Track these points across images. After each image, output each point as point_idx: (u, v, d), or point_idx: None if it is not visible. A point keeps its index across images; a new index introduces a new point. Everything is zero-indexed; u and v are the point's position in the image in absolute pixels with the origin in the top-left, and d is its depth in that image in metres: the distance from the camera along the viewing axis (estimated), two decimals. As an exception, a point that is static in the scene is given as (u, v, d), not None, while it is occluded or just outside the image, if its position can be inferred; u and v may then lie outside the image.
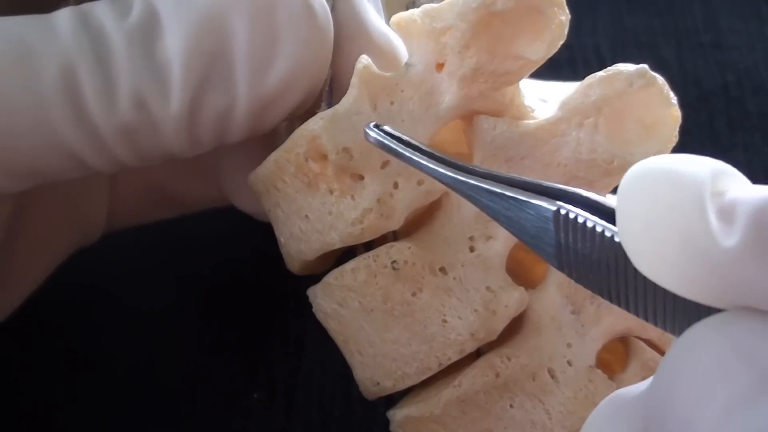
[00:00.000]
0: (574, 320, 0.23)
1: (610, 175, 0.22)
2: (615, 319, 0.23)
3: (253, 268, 0.31)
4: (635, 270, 0.15)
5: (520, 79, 0.23)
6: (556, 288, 0.23)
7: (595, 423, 0.17)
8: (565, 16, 0.22)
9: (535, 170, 0.23)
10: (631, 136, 0.22)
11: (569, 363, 0.23)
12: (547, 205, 0.17)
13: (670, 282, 0.15)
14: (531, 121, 0.23)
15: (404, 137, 0.21)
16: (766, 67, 0.37)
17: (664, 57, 0.38)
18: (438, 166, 0.20)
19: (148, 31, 0.20)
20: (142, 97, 0.20)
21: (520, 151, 0.23)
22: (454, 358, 0.23)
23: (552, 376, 0.23)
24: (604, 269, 0.16)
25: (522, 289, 0.23)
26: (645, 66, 0.22)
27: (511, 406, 0.23)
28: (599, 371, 0.23)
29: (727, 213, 0.14)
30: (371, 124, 0.21)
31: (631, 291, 0.16)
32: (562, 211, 0.16)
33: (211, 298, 0.31)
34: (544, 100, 0.25)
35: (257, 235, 0.26)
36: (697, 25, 0.39)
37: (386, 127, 0.21)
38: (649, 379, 0.16)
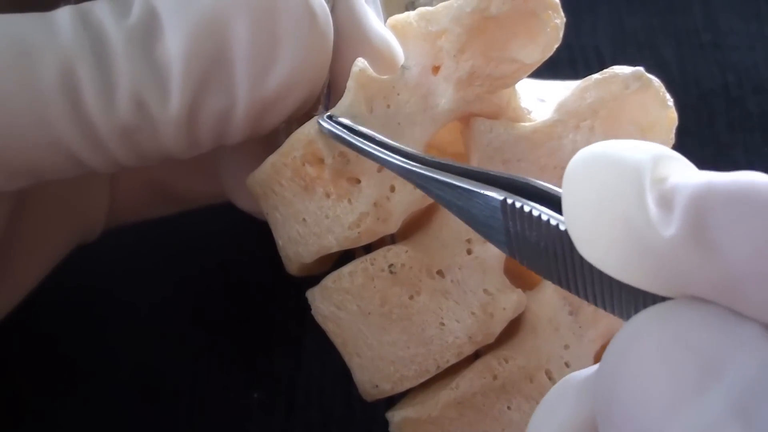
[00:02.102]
0: (571, 321, 0.23)
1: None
2: (612, 320, 0.23)
3: (253, 268, 0.31)
4: (581, 257, 0.15)
5: (516, 82, 0.23)
6: (554, 289, 0.23)
7: (546, 404, 0.17)
8: (560, 20, 0.22)
9: (532, 172, 0.23)
10: (628, 138, 0.22)
11: (567, 364, 0.23)
12: (495, 194, 0.17)
13: (614, 269, 0.14)
14: (527, 124, 0.23)
15: (358, 128, 0.21)
16: (766, 67, 0.37)
17: (664, 57, 0.38)
18: (390, 156, 0.20)
19: (149, 31, 0.20)
20: (141, 98, 0.20)
21: (516, 154, 0.23)
22: (452, 360, 0.23)
23: (549, 378, 0.23)
24: (552, 256, 0.16)
25: (520, 291, 0.23)
26: (641, 68, 0.22)
27: (508, 408, 0.23)
28: (597, 373, 0.23)
29: (666, 200, 0.14)
30: (325, 115, 0.21)
31: (580, 277, 0.16)
32: (509, 201, 0.17)
33: (211, 298, 0.32)
34: (542, 99, 0.25)
35: (257, 235, 0.26)
36: (697, 25, 0.39)
37: (341, 119, 0.21)
38: (599, 363, 0.15)
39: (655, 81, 0.22)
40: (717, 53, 0.38)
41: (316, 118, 0.22)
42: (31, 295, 0.27)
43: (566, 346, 0.23)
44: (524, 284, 0.23)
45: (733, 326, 0.13)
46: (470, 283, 0.23)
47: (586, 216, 0.14)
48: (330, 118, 0.21)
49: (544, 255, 0.16)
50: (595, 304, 0.16)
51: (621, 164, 0.14)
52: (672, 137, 0.22)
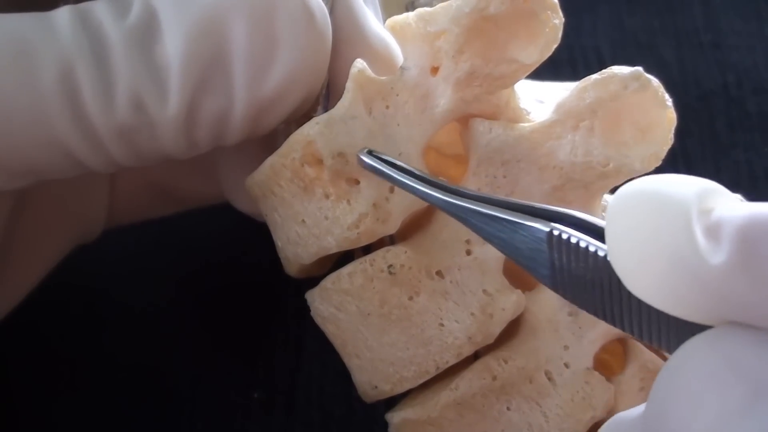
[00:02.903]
0: (571, 322, 0.23)
1: (606, 178, 0.22)
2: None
3: (254, 268, 0.31)
4: (627, 289, 0.15)
5: (515, 83, 0.23)
6: (554, 290, 0.23)
7: None
8: (558, 20, 0.22)
9: (531, 173, 0.23)
10: (627, 138, 0.22)
11: (566, 365, 0.23)
12: (541, 226, 0.17)
13: (660, 301, 0.15)
14: (526, 124, 0.23)
15: (397, 162, 0.21)
16: (766, 67, 0.37)
17: (664, 57, 0.38)
18: (432, 189, 0.20)
19: (147, 32, 0.20)
20: (139, 98, 0.20)
21: (515, 154, 0.23)
22: (452, 361, 0.23)
23: (549, 379, 0.23)
24: (598, 289, 0.16)
25: (519, 291, 0.23)
26: (639, 69, 0.22)
27: (508, 408, 0.23)
28: (596, 373, 0.23)
29: (713, 231, 0.14)
30: (364, 150, 0.21)
31: (625, 310, 0.16)
32: (555, 232, 0.17)
33: (211, 298, 0.32)
34: (540, 100, 0.25)
35: (257, 235, 0.26)
36: (697, 25, 0.39)
37: (379, 153, 0.21)
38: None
39: (654, 81, 0.22)
40: (717, 53, 0.38)
41: (315, 119, 0.22)
42: (31, 295, 0.27)
43: (566, 347, 0.23)
44: (523, 285, 0.23)
45: None
46: (469, 283, 0.23)
47: (632, 248, 0.15)
48: (370, 153, 0.21)
49: (589, 287, 0.16)
50: (641, 337, 0.16)
51: (667, 198, 0.14)
52: (671, 137, 0.22)
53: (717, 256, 0.14)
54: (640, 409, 0.17)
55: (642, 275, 0.15)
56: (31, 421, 0.29)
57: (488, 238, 0.19)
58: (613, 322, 0.16)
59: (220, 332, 0.31)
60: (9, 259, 0.25)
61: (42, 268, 0.27)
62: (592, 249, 0.16)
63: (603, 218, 0.23)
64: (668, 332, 0.16)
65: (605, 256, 0.16)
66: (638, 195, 0.15)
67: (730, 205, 0.14)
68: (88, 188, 0.27)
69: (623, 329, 0.16)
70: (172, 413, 0.29)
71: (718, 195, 0.15)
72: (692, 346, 0.15)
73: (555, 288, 0.17)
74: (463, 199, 0.19)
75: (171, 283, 0.32)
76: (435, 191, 0.20)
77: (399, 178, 0.21)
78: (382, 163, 0.21)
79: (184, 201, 0.29)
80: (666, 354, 0.16)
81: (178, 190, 0.28)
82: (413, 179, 0.21)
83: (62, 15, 0.20)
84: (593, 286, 0.16)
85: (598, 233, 0.16)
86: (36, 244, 0.26)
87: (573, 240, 0.16)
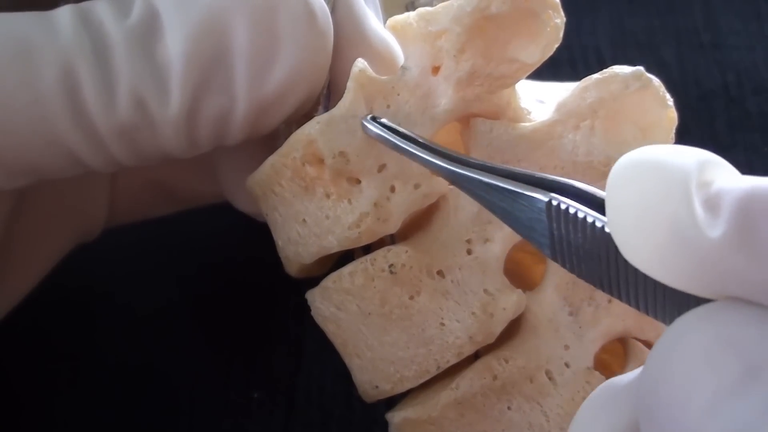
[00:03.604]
0: (571, 322, 0.23)
1: (607, 178, 0.22)
2: (613, 320, 0.23)
3: (254, 268, 0.31)
4: (626, 260, 0.15)
5: (516, 82, 0.23)
6: (554, 289, 0.23)
7: (587, 411, 0.17)
8: (560, 19, 0.22)
9: (532, 173, 0.23)
10: (628, 138, 0.22)
11: (567, 365, 0.23)
12: (540, 196, 0.17)
13: (659, 272, 0.15)
14: (527, 124, 0.23)
15: (402, 129, 0.21)
16: (766, 67, 0.37)
17: (664, 57, 0.38)
18: (435, 158, 0.20)
19: (149, 31, 0.20)
20: (141, 98, 0.20)
21: (516, 154, 0.23)
22: (453, 361, 0.23)
23: (550, 378, 0.23)
24: (596, 260, 0.16)
25: (520, 291, 0.23)
26: (641, 68, 0.22)
27: (508, 408, 0.23)
28: (597, 373, 0.23)
29: (713, 203, 0.14)
30: (368, 117, 0.21)
31: (623, 281, 0.16)
32: (554, 202, 0.17)
33: (211, 298, 0.32)
34: (541, 101, 0.25)
35: (257, 235, 0.26)
36: (697, 25, 0.39)
37: (384, 120, 0.21)
38: (640, 368, 0.16)
39: (655, 81, 0.22)
40: (717, 53, 0.38)
41: (315, 118, 0.22)
42: (31, 294, 0.27)
43: (566, 347, 0.23)
44: (524, 285, 0.23)
45: None
46: (470, 283, 0.23)
47: (631, 219, 0.15)
48: (374, 119, 0.21)
49: (588, 258, 0.16)
50: (638, 308, 0.16)
51: (667, 168, 0.14)
52: (672, 137, 0.22)
53: (715, 229, 0.14)
54: (631, 375, 0.16)
55: (641, 246, 0.15)
56: (32, 420, 0.29)
57: (490, 207, 0.18)
58: (611, 293, 0.16)
59: (220, 332, 0.31)
60: (9, 259, 0.25)
61: (42, 268, 0.27)
62: (590, 219, 0.16)
63: None
64: (666, 304, 0.15)
65: (603, 227, 0.16)
66: (638, 165, 0.15)
67: (730, 178, 0.14)
68: (88, 187, 0.27)
69: (621, 299, 0.16)
70: (172, 413, 0.29)
71: (719, 167, 0.14)
72: (687, 320, 0.14)
73: (554, 257, 0.17)
74: (466, 167, 0.19)
75: (171, 283, 0.32)
76: (438, 159, 0.20)
77: (403, 145, 0.21)
78: (387, 131, 0.21)
79: (185, 200, 0.29)
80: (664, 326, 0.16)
81: (178, 189, 0.28)
82: (416, 146, 0.20)
83: (63, 14, 0.20)
84: (592, 256, 0.16)
85: (598, 204, 0.16)
86: (36, 243, 0.26)
87: (572, 210, 0.16)
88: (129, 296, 0.31)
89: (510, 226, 0.18)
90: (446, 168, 0.20)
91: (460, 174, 0.19)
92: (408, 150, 0.21)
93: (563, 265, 0.17)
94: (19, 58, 0.19)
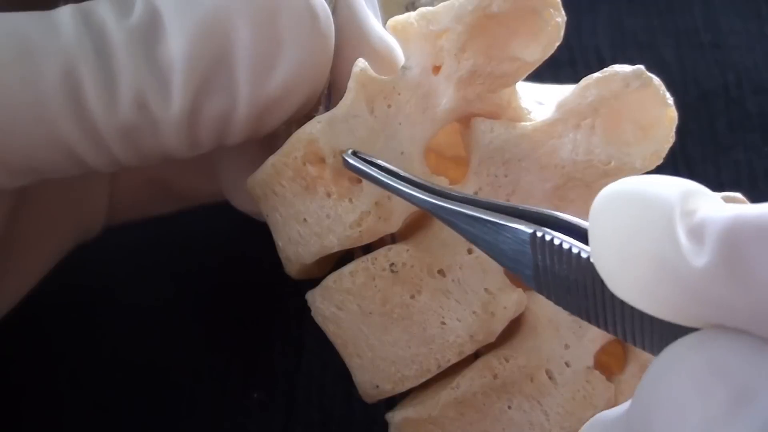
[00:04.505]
0: (571, 321, 0.23)
1: (607, 176, 0.22)
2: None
3: (254, 268, 0.31)
4: (611, 291, 0.15)
5: (517, 81, 0.23)
6: (555, 289, 0.23)
7: None
8: (561, 18, 0.22)
9: (533, 172, 0.23)
10: (628, 137, 0.22)
11: (567, 364, 0.23)
12: (524, 228, 0.17)
13: (644, 303, 0.15)
14: (528, 123, 0.23)
15: (382, 163, 0.21)
16: (766, 67, 0.37)
17: (664, 57, 0.38)
18: (416, 191, 0.20)
19: (150, 31, 0.20)
20: (142, 98, 0.20)
21: (517, 154, 0.23)
22: (453, 360, 0.23)
23: (550, 378, 0.23)
24: (581, 290, 0.16)
25: (520, 290, 0.23)
26: (641, 67, 0.22)
27: (509, 407, 0.23)
28: (597, 372, 0.23)
29: (697, 233, 0.14)
30: (349, 151, 0.21)
31: (609, 312, 0.16)
32: (539, 233, 0.17)
33: (211, 298, 0.32)
34: (540, 102, 0.25)
35: (257, 235, 0.26)
36: (697, 25, 0.39)
37: (362, 154, 0.21)
38: (629, 402, 0.16)
39: (655, 80, 0.22)
40: (717, 53, 0.38)
41: (317, 118, 0.22)
42: (32, 293, 0.27)
43: (566, 346, 0.23)
44: (523, 284, 0.23)
45: (764, 354, 0.14)
46: (471, 282, 0.23)
47: (615, 250, 0.15)
48: (355, 154, 0.21)
49: (573, 289, 0.16)
50: (625, 340, 0.16)
51: (650, 199, 0.14)
52: (672, 136, 0.22)
53: (700, 258, 0.14)
54: (621, 408, 0.16)
55: (625, 277, 0.15)
56: (32, 420, 0.29)
57: (474, 240, 0.19)
58: (597, 324, 0.16)
59: (220, 332, 0.31)
60: (9, 257, 0.25)
61: (42, 266, 0.27)
62: (575, 251, 0.16)
63: None
64: (653, 335, 0.15)
65: (588, 257, 0.16)
66: (621, 195, 0.15)
67: (713, 207, 0.14)
68: (89, 185, 0.27)
69: (608, 331, 0.16)
70: (172, 413, 0.29)
71: (701, 196, 0.14)
72: (675, 349, 0.15)
73: (539, 290, 0.17)
74: (448, 201, 0.19)
75: (171, 282, 0.32)
76: (420, 193, 0.20)
77: (382, 179, 0.21)
78: (367, 165, 0.21)
79: (185, 198, 0.29)
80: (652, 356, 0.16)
81: (178, 187, 0.28)
82: (398, 181, 0.21)
83: (64, 14, 0.20)
84: (577, 287, 0.16)
85: (582, 235, 0.16)
86: (36, 241, 0.26)
87: (556, 242, 0.16)
88: (129, 295, 0.31)
89: (494, 258, 0.18)
90: (429, 202, 0.20)
91: (443, 207, 0.19)
92: (390, 185, 0.21)
93: (548, 297, 0.17)
94: (21, 58, 0.19)
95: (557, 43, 0.22)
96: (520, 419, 0.23)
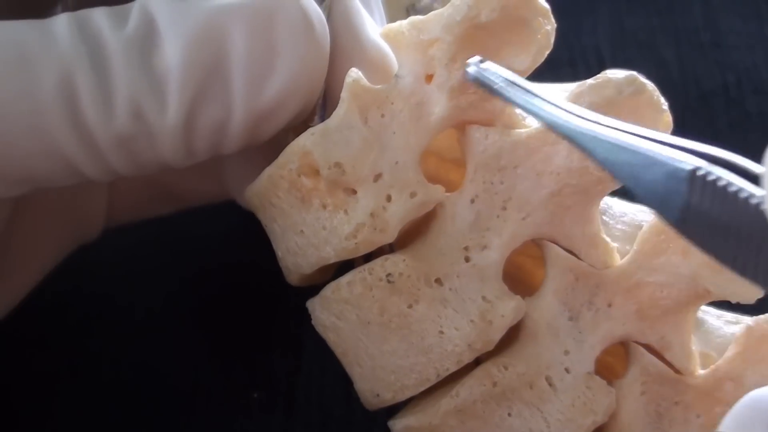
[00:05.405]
0: (571, 327, 0.23)
1: (603, 182, 0.22)
2: (613, 324, 0.23)
3: (254, 269, 0.31)
4: None
5: (510, 89, 0.23)
6: (553, 295, 0.23)
7: None
8: (550, 26, 0.22)
9: (529, 178, 0.23)
10: None
11: (567, 370, 0.23)
12: (684, 163, 0.15)
13: None
14: (522, 130, 0.23)
15: (509, 76, 0.19)
16: (766, 67, 0.37)
17: (664, 57, 0.38)
18: (550, 109, 0.18)
19: (146, 40, 0.20)
20: (139, 107, 0.20)
21: (512, 160, 0.23)
22: (453, 368, 0.23)
23: (550, 384, 0.23)
24: (743, 239, 0.15)
25: (518, 297, 0.23)
26: (634, 73, 0.22)
27: (509, 414, 0.23)
28: (598, 378, 0.23)
29: None
30: (477, 58, 0.20)
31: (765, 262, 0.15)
32: (700, 172, 0.15)
33: (211, 299, 0.32)
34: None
35: (258, 236, 0.26)
36: (697, 25, 0.39)
37: (489, 63, 0.20)
38: None
39: (649, 85, 0.22)
40: (717, 53, 0.38)
41: (310, 129, 0.22)
42: (31, 295, 0.27)
43: (566, 352, 0.23)
44: (523, 290, 0.23)
45: None
46: (469, 290, 0.23)
47: None
48: (481, 62, 0.20)
49: (728, 235, 0.15)
50: None
51: None
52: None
53: None
54: None
55: None
56: (31, 421, 0.29)
57: (612, 170, 0.17)
58: (745, 274, 0.15)
59: (220, 332, 0.31)
60: (8, 260, 0.25)
61: (42, 269, 0.27)
62: (743, 195, 0.15)
63: (605, 239, 0.23)
64: None
65: (759, 203, 0.14)
66: None
67: None
68: (88, 187, 0.27)
69: (758, 282, 0.15)
70: (172, 413, 0.29)
71: None
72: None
73: (682, 231, 0.16)
74: (591, 125, 0.17)
75: (171, 284, 0.32)
76: (557, 114, 0.18)
77: (509, 95, 0.19)
78: (489, 75, 0.19)
79: (184, 199, 0.29)
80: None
81: (177, 188, 0.28)
82: (532, 99, 0.19)
83: (60, 22, 0.20)
84: (734, 234, 0.15)
85: (748, 177, 0.15)
86: (35, 244, 0.27)
87: (720, 183, 0.15)
88: (129, 297, 0.31)
89: (636, 193, 0.16)
90: (565, 124, 0.18)
91: (582, 133, 0.17)
92: (514, 100, 0.19)
93: (692, 242, 0.16)
94: (17, 66, 0.19)
95: (548, 51, 0.22)
96: (520, 426, 0.23)
